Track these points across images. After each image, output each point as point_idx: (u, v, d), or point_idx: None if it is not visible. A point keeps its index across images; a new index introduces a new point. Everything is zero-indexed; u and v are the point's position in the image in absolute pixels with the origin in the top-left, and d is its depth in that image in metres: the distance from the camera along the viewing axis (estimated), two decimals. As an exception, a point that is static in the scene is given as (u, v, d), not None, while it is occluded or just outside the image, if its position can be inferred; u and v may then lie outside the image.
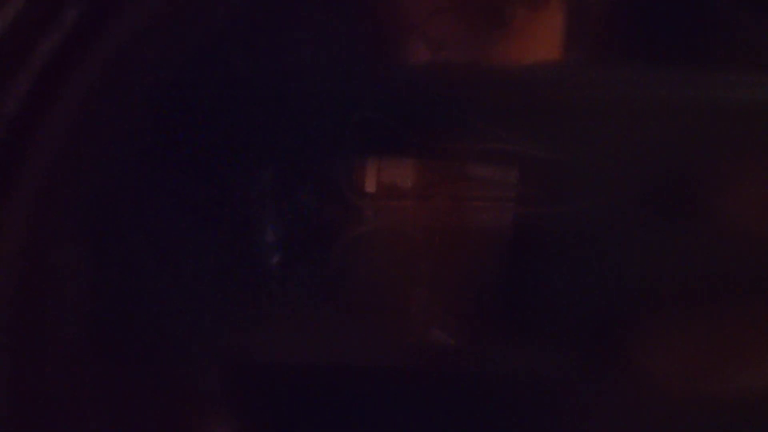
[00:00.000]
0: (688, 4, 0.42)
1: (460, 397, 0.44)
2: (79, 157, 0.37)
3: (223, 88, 0.42)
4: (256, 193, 0.44)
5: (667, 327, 0.43)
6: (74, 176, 0.37)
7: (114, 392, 0.42)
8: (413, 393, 0.44)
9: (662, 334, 0.43)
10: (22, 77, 0.33)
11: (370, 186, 0.44)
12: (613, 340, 0.44)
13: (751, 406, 0.42)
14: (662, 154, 0.42)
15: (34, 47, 0.33)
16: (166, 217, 0.43)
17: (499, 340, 0.44)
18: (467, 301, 0.45)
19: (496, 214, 0.44)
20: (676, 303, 0.43)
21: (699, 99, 0.41)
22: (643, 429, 0.43)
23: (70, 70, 0.34)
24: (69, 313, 0.40)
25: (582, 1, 0.44)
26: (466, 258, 0.44)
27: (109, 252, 0.42)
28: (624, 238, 0.43)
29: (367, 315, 0.45)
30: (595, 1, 0.44)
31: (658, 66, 0.42)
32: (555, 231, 0.43)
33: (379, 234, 0.44)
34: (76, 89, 0.34)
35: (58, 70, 0.34)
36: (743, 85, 0.41)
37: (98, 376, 0.41)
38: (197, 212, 0.43)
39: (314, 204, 0.44)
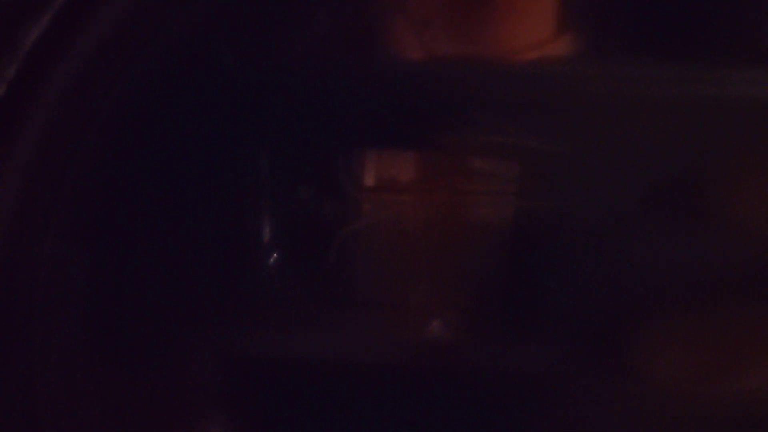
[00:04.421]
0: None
1: (459, 392, 0.44)
2: (69, 149, 0.36)
3: (219, 81, 0.42)
4: (253, 187, 0.44)
5: (668, 325, 0.43)
6: (64, 169, 0.37)
7: (109, 390, 0.42)
8: (412, 388, 0.44)
9: (663, 332, 0.43)
10: (10, 62, 0.33)
11: (370, 179, 0.44)
12: (614, 337, 0.43)
13: (752, 407, 0.42)
14: (665, 150, 0.42)
15: (22, 32, 0.33)
16: (161, 212, 0.42)
17: (499, 336, 0.44)
18: (467, 296, 0.44)
19: (496, 208, 0.43)
20: (677, 300, 0.43)
21: (702, 95, 0.41)
22: (642, 428, 0.43)
23: (58, 56, 0.33)
24: (62, 310, 0.40)
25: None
26: (466, 252, 0.44)
27: (103, 247, 0.41)
28: (625, 234, 0.42)
29: (365, 310, 0.44)
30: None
31: (662, 62, 0.42)
32: (555, 225, 0.43)
33: (378, 228, 0.44)
34: (64, 75, 0.34)
35: (46, 55, 0.33)
36: (747, 82, 0.41)
37: (94, 374, 0.41)
38: (193, 207, 0.43)
39: (313, 198, 0.44)
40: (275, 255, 0.44)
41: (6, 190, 0.35)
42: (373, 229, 0.44)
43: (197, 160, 0.42)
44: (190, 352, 0.44)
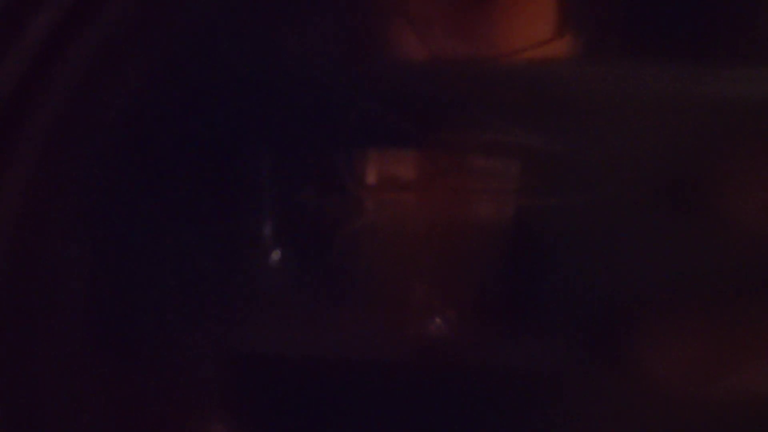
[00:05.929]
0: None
1: (460, 390, 0.44)
2: (72, 149, 0.36)
3: (221, 80, 0.42)
4: (254, 186, 0.44)
5: (668, 324, 0.43)
6: (67, 169, 0.37)
7: (110, 390, 0.42)
8: (413, 387, 0.44)
9: (663, 331, 0.43)
10: (14, 61, 0.33)
11: (371, 178, 0.44)
12: (614, 336, 0.43)
13: (751, 406, 0.42)
14: (665, 149, 0.42)
15: (25, 33, 0.33)
16: (163, 210, 0.42)
17: (499, 335, 0.44)
18: (468, 294, 0.44)
19: (497, 207, 0.43)
20: (677, 299, 0.43)
21: (702, 95, 0.41)
22: (642, 428, 0.43)
23: (61, 57, 0.33)
24: (62, 310, 0.40)
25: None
26: (466, 250, 0.44)
27: (105, 246, 0.41)
28: (625, 233, 0.42)
29: (366, 308, 0.44)
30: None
31: (662, 61, 0.42)
32: (556, 224, 0.43)
33: (380, 226, 0.44)
34: (67, 76, 0.34)
35: (50, 54, 0.33)
36: (748, 81, 0.41)
37: (94, 373, 0.41)
38: (195, 205, 0.43)
39: (314, 196, 0.44)
40: (276, 253, 0.44)
41: (8, 190, 0.35)
42: (374, 228, 0.44)
43: (198, 159, 0.42)
44: (191, 351, 0.44)
